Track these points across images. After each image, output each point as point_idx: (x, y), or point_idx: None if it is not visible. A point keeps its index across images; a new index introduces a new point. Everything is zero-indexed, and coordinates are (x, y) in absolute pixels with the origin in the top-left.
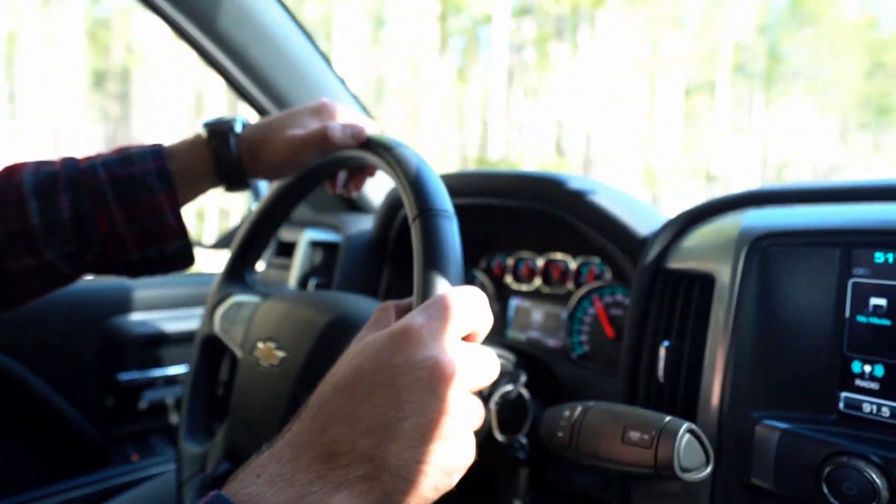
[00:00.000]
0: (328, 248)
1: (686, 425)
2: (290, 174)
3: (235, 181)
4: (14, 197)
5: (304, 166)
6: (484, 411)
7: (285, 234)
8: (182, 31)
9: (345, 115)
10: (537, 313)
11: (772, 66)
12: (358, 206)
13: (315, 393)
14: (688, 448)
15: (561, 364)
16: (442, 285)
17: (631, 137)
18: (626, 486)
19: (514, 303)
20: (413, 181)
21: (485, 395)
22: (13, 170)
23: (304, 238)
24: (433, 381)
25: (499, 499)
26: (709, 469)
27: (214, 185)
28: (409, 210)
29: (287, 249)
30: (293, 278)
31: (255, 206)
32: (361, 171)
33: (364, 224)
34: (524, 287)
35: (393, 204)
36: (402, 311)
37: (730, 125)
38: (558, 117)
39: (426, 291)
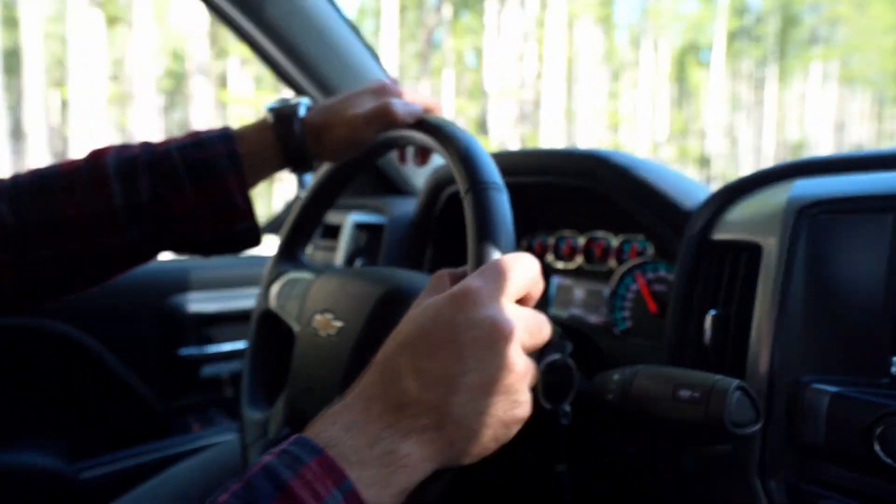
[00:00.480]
0: (372, 230)
1: (736, 382)
2: (354, 154)
3: (300, 164)
4: (100, 180)
5: (365, 145)
6: (537, 374)
7: (330, 217)
8: (229, 19)
9: (403, 93)
10: (579, 291)
11: (786, 30)
12: (399, 189)
13: (380, 352)
14: (739, 404)
15: (604, 339)
16: (496, 252)
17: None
18: (673, 451)
19: (556, 281)
20: (464, 156)
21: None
22: (98, 154)
23: (349, 220)
24: (492, 338)
25: (543, 465)
26: (759, 425)
27: (280, 167)
28: (461, 184)
29: (332, 232)
30: (339, 259)
31: (303, 192)
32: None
33: (406, 206)
34: (566, 265)
35: (436, 185)
36: (457, 279)
37: (731, 99)
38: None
39: (481, 258)
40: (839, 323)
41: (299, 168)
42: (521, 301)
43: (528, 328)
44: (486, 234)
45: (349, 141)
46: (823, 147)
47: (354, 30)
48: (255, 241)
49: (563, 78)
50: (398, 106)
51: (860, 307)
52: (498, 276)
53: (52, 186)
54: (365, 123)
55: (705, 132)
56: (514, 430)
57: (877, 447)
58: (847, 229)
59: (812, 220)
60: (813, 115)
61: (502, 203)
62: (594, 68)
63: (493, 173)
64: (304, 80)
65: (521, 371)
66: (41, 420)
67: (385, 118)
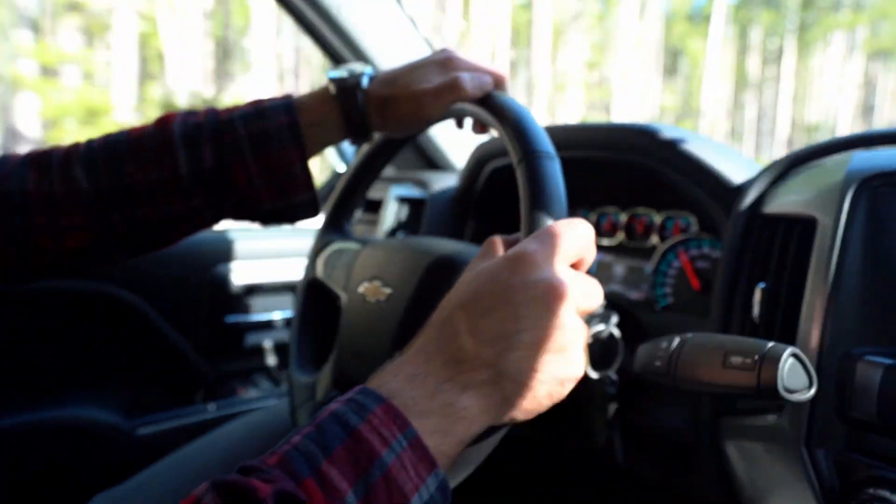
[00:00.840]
0: (414, 204)
1: (790, 349)
2: (418, 129)
3: (361, 135)
4: (166, 146)
5: (431, 121)
6: (589, 335)
7: (371, 192)
8: None
9: (470, 65)
10: (619, 267)
11: None
12: (437, 165)
13: (436, 312)
14: (791, 370)
15: (644, 315)
16: (549, 218)
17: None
18: (716, 423)
19: (596, 257)
20: (516, 127)
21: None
22: (165, 121)
23: (392, 194)
24: (547, 299)
25: (590, 431)
26: (812, 391)
27: (341, 138)
28: (515, 154)
29: (374, 206)
30: (381, 232)
31: (344, 166)
32: None
33: (447, 181)
34: (607, 241)
35: (480, 160)
36: (510, 245)
37: (737, 74)
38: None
39: (535, 224)
40: (894, 296)
41: (359, 139)
42: (575, 266)
43: (582, 291)
44: (540, 200)
45: (415, 116)
46: (842, 131)
47: (403, 9)
48: (314, 213)
49: (546, 46)
50: (467, 81)
51: None
52: (552, 241)
53: (122, 152)
54: (434, 99)
55: (702, 111)
56: (569, 387)
57: None
58: None
59: (872, 192)
60: (835, 93)
61: (555, 171)
62: (578, 35)
63: (546, 143)
64: (345, 50)
65: (574, 331)
66: (99, 379)
67: (454, 94)
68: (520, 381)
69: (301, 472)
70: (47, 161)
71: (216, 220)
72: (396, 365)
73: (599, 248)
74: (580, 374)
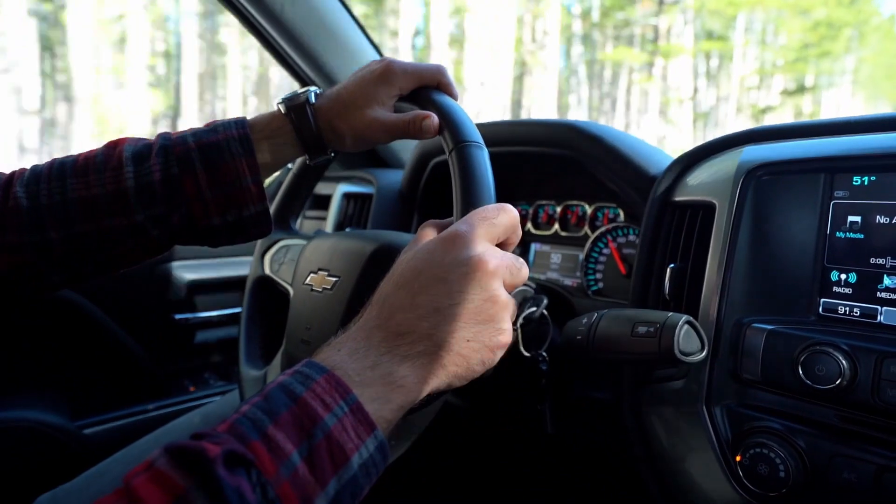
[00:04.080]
0: (360, 200)
1: (685, 318)
2: (369, 146)
3: (316, 151)
4: (114, 163)
5: (381, 142)
6: (516, 308)
7: (320, 188)
8: (238, 9)
9: (408, 68)
10: (555, 256)
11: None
12: (386, 162)
13: (377, 291)
14: (686, 336)
15: (578, 299)
16: (479, 202)
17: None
18: (636, 392)
19: (535, 247)
20: (447, 120)
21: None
22: (117, 142)
23: (339, 191)
24: (477, 275)
25: (525, 406)
26: (703, 353)
27: (296, 154)
28: (446, 144)
29: (321, 202)
30: (329, 227)
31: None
32: None
33: (393, 177)
34: (543, 232)
35: (423, 155)
36: (443, 228)
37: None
38: None
39: (466, 207)
40: (777, 271)
41: (316, 155)
42: (502, 245)
43: (509, 267)
44: (470, 186)
45: (367, 139)
46: None
47: (355, 19)
48: (266, 227)
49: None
50: (431, 127)
51: (794, 256)
52: (482, 222)
53: (67, 171)
54: (387, 131)
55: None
56: (499, 354)
57: (800, 372)
58: (787, 188)
59: (757, 181)
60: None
61: (483, 158)
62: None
63: (475, 133)
64: (309, 70)
65: (503, 303)
66: (45, 379)
67: (415, 134)
68: (454, 351)
69: (249, 435)
70: None
71: (163, 240)
72: (340, 341)
73: (538, 238)
74: (509, 342)
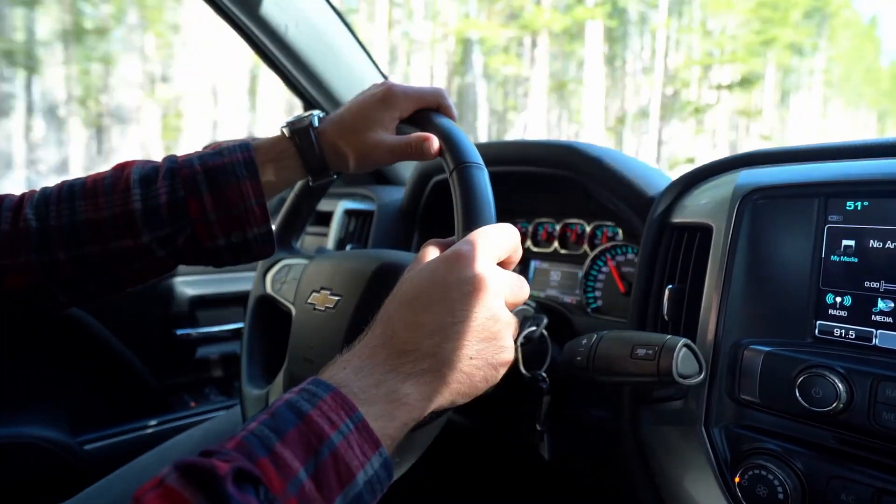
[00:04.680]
0: (362, 217)
1: (683, 340)
2: (372, 168)
3: (319, 173)
4: (122, 185)
5: (383, 165)
6: (517, 326)
7: (322, 204)
8: (247, 34)
9: (408, 91)
10: (555, 273)
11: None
12: (387, 179)
13: (381, 309)
14: (684, 359)
15: (577, 317)
16: (480, 222)
17: None
18: (635, 412)
19: (534, 265)
20: (447, 141)
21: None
22: (125, 165)
23: (340, 208)
24: (480, 293)
25: (524, 426)
26: (701, 376)
27: (300, 177)
28: (447, 165)
29: (323, 219)
30: (331, 244)
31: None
32: None
33: (394, 194)
34: (543, 250)
35: (424, 174)
36: (445, 247)
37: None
38: None
39: (468, 226)
40: (774, 293)
41: (319, 177)
42: (503, 264)
43: (510, 286)
44: (471, 206)
45: (367, 161)
46: None
47: (359, 41)
48: (269, 248)
49: None
50: (432, 149)
51: (791, 279)
52: (483, 242)
53: (75, 194)
54: (391, 154)
55: None
56: (502, 371)
57: (797, 394)
58: (782, 212)
59: (753, 204)
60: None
61: (483, 179)
62: None
63: (475, 154)
64: (314, 91)
65: (505, 321)
66: (46, 395)
67: (417, 156)
68: (458, 368)
69: (257, 453)
70: None
71: (169, 261)
72: (345, 359)
73: (537, 255)
74: (511, 359)
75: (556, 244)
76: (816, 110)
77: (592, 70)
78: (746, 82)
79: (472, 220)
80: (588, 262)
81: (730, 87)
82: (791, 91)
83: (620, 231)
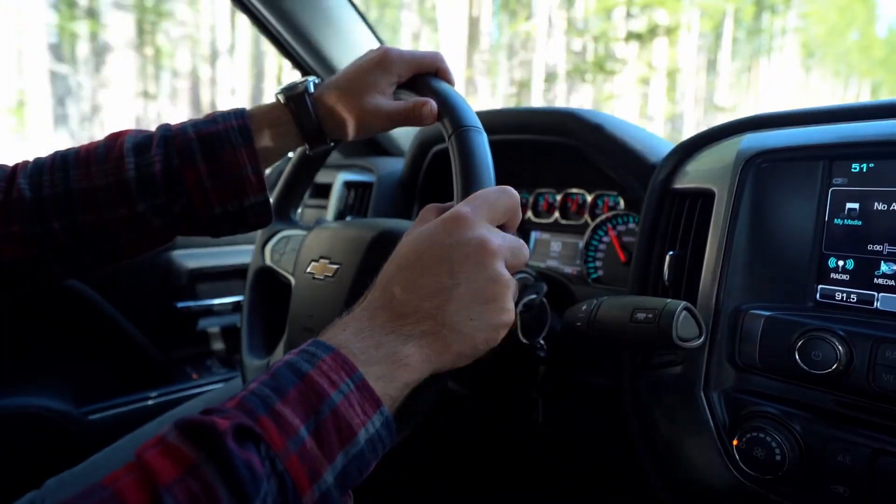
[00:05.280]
0: (361, 188)
1: (683, 304)
2: (369, 134)
3: (316, 140)
4: (116, 154)
5: (382, 129)
6: (517, 289)
7: (320, 176)
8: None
9: (406, 55)
10: (556, 244)
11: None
12: (385, 150)
13: (381, 273)
14: (684, 322)
15: (578, 286)
16: (479, 184)
17: None
18: (635, 378)
19: (535, 235)
20: (446, 104)
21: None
22: (119, 134)
23: (339, 179)
24: (479, 255)
25: (523, 393)
26: (701, 339)
27: (297, 144)
28: (445, 129)
29: (322, 191)
30: (330, 216)
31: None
32: None
33: (394, 166)
34: (543, 220)
35: (423, 143)
36: (443, 211)
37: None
38: None
39: (466, 189)
40: (775, 258)
41: (316, 144)
42: (503, 227)
43: (510, 248)
44: (470, 169)
45: (365, 126)
46: None
47: (355, 7)
48: (266, 216)
49: None
50: (430, 112)
51: (792, 243)
52: (482, 204)
53: (69, 163)
54: (389, 119)
55: None
56: (502, 333)
57: (797, 357)
58: (785, 176)
59: (756, 168)
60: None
61: (482, 142)
62: None
63: (473, 118)
64: (310, 59)
65: (504, 282)
66: (50, 367)
67: (416, 120)
68: (458, 330)
69: (257, 411)
70: None
71: (166, 231)
72: (345, 321)
73: (538, 226)
74: (511, 321)
75: (556, 214)
76: (795, 78)
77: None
78: (662, 32)
79: (471, 183)
80: (589, 232)
81: (639, 36)
82: (761, 54)
83: (622, 200)
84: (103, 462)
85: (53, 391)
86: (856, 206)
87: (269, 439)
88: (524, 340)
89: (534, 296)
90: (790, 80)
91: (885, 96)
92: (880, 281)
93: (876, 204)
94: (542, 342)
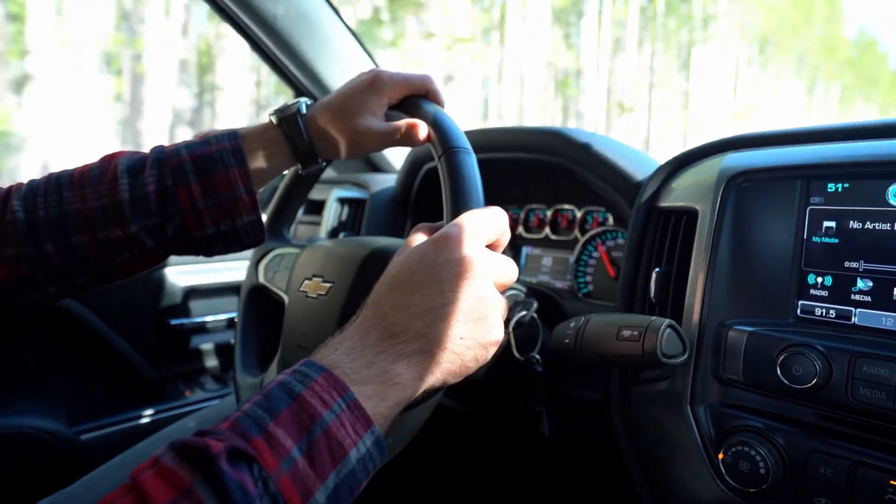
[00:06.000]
0: (354, 205)
1: (667, 321)
2: (361, 155)
3: (308, 160)
4: (110, 176)
5: (373, 150)
6: (506, 307)
7: (314, 193)
8: (236, 23)
9: (396, 77)
10: (546, 259)
11: None
12: (378, 167)
13: (372, 292)
14: (668, 339)
15: (568, 301)
16: (468, 205)
17: None
18: (624, 393)
19: (526, 251)
20: (435, 127)
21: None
22: (113, 156)
23: (333, 196)
24: (468, 274)
25: (521, 408)
26: (685, 356)
27: (289, 164)
28: (435, 150)
29: (316, 207)
30: (323, 233)
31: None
32: None
33: (386, 182)
34: (534, 235)
35: (416, 161)
36: (434, 230)
37: None
38: None
39: (456, 210)
40: (757, 274)
41: (308, 164)
42: (492, 247)
43: (499, 267)
44: (459, 189)
45: (357, 148)
46: None
47: (349, 28)
48: (259, 236)
49: None
50: (421, 134)
51: (774, 260)
52: (471, 224)
53: (63, 185)
54: (375, 141)
55: None
56: (492, 351)
57: (778, 372)
58: (765, 195)
59: (738, 187)
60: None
61: (471, 163)
62: None
63: (462, 139)
64: (304, 79)
65: (493, 301)
66: (41, 386)
67: (408, 141)
68: (448, 348)
69: (250, 432)
70: None
71: (159, 251)
72: (337, 340)
73: (529, 241)
74: (500, 339)
75: (547, 230)
76: (744, 75)
77: None
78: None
79: (461, 204)
80: (579, 247)
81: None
82: (692, 45)
83: (611, 216)
84: (96, 482)
85: (45, 410)
86: (833, 224)
87: (262, 460)
88: (519, 357)
89: (524, 312)
90: (736, 76)
91: (855, 101)
92: (857, 297)
93: (851, 222)
94: (537, 356)
